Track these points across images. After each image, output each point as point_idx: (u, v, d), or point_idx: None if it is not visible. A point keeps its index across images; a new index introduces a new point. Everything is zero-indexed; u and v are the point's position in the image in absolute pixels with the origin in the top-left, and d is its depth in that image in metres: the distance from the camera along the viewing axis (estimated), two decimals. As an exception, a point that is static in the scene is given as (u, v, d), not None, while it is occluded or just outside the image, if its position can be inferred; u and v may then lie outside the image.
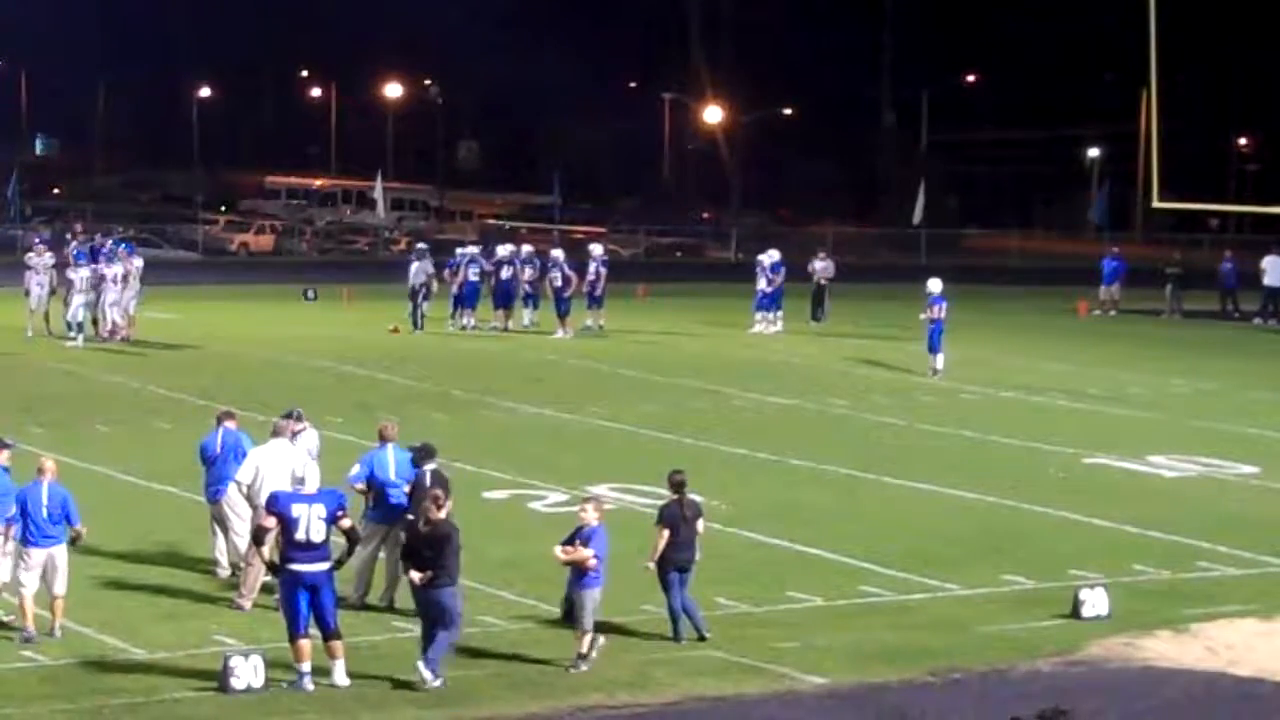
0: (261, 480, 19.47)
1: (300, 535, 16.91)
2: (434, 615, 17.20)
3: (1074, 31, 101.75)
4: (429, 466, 19.21)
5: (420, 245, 49.15)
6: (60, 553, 18.49)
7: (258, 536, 17.50)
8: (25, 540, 18.36)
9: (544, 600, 19.92)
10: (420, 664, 17.07)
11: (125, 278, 42.27)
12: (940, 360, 39.10)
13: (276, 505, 17.15)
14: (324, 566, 17.01)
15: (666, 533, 18.43)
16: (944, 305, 39.22)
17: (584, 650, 17.66)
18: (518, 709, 16.45)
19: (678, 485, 18.76)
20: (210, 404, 31.44)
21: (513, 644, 18.33)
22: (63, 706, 16.26)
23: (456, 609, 17.28)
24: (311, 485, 17.24)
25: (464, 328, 46.37)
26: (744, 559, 22.09)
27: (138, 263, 43.51)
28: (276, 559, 17.30)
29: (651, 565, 18.50)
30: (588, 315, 46.62)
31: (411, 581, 17.26)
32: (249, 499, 19.72)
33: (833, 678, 17.57)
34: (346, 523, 17.35)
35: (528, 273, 46.94)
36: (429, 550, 17.19)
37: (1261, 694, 17.48)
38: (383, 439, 19.92)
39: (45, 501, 18.42)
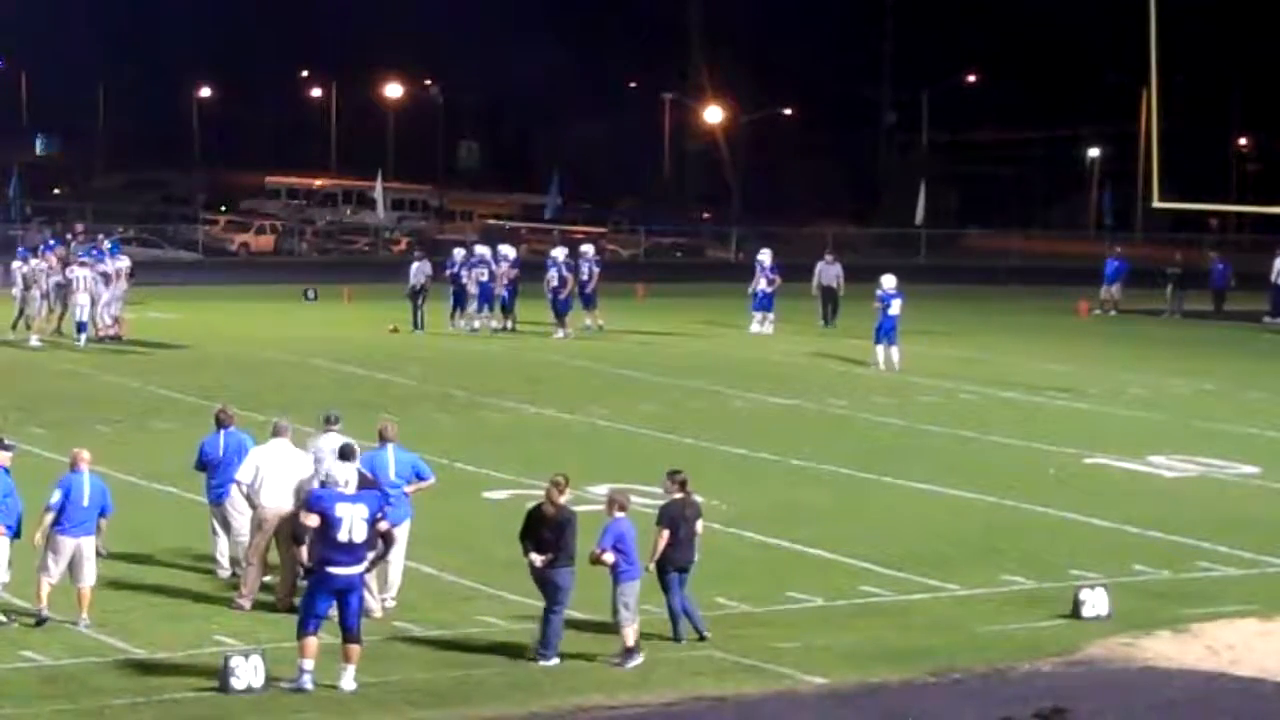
0: (261, 480, 19.45)
1: (343, 536, 16.73)
2: (549, 593, 17.74)
3: (1074, 31, 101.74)
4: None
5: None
6: (89, 544, 18.69)
7: (298, 535, 17.34)
8: (59, 529, 18.56)
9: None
10: (538, 655, 17.70)
11: (112, 277, 42.26)
12: (895, 353, 39.83)
13: (320, 504, 16.92)
14: (359, 569, 16.89)
15: (666, 533, 18.42)
16: (895, 302, 39.72)
17: (630, 644, 17.80)
18: (518, 709, 16.44)
19: (679, 485, 18.75)
20: (211, 404, 31.38)
21: (513, 644, 18.32)
22: (63, 706, 16.25)
23: (569, 588, 17.81)
24: (352, 486, 17.08)
25: (474, 329, 46.25)
26: (744, 559, 22.09)
27: (123, 262, 43.48)
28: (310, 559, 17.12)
29: (651, 566, 18.50)
30: (585, 316, 46.66)
31: (531, 563, 17.72)
32: (248, 498, 19.71)
33: (833, 678, 17.57)
34: (384, 525, 17.21)
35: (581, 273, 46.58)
36: (550, 533, 17.75)
37: (1261, 694, 17.48)
38: (382, 439, 19.89)
39: (88, 490, 18.67)
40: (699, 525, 18.80)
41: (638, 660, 17.69)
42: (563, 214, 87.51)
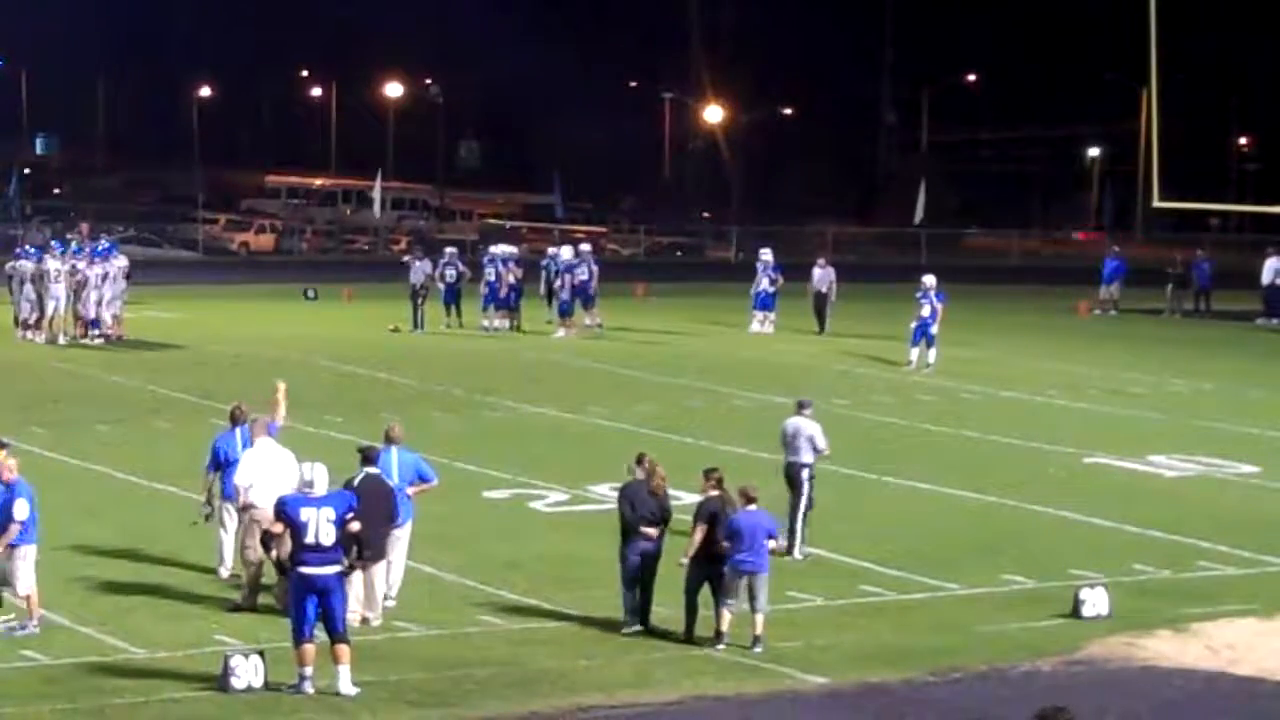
0: (253, 482, 19.46)
1: (309, 539, 16.72)
2: (651, 567, 18.68)
3: (1074, 31, 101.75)
4: (372, 470, 18.87)
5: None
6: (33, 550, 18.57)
7: (266, 543, 17.36)
8: (28, 540, 18.41)
9: (545, 600, 19.93)
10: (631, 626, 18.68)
11: (107, 277, 42.34)
12: (930, 354, 39.58)
13: (284, 510, 16.95)
14: (334, 569, 16.84)
15: (703, 528, 18.42)
16: (924, 302, 39.66)
17: (721, 629, 18.34)
18: (518, 708, 16.44)
19: (717, 482, 18.75)
20: (211, 404, 31.46)
21: (513, 644, 18.33)
22: (63, 706, 16.24)
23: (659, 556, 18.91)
24: (320, 488, 17.11)
25: (497, 329, 46.35)
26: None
27: (120, 262, 43.53)
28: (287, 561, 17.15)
29: (685, 560, 18.48)
30: (585, 315, 46.73)
31: (648, 536, 18.61)
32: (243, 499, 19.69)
33: (833, 678, 17.57)
34: (355, 526, 17.13)
35: (583, 274, 46.81)
36: (659, 509, 18.77)
37: (1261, 693, 17.49)
38: (388, 440, 19.85)
39: (29, 497, 18.54)
40: None
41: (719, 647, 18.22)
42: (564, 213, 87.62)
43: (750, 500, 18.51)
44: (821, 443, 22.38)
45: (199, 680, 16.87)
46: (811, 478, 22.35)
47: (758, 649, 18.19)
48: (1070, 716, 11.50)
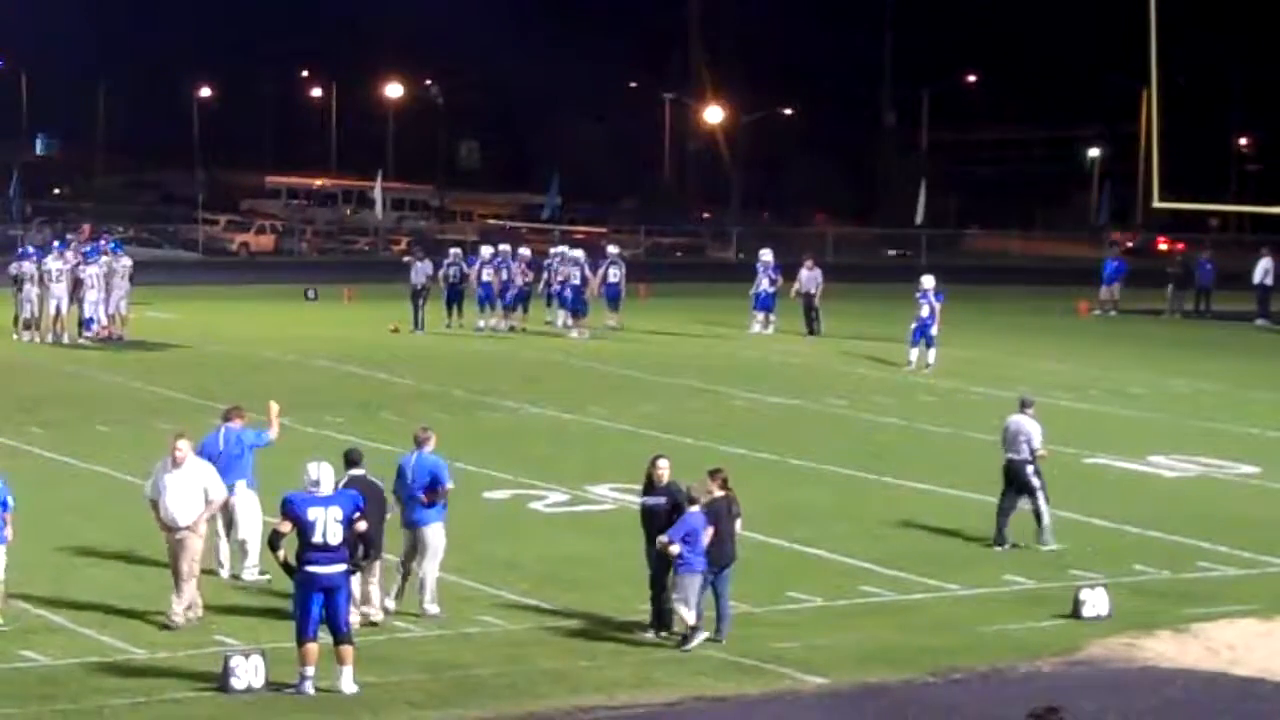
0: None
1: (317, 538, 16.72)
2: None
3: (1074, 31, 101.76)
4: (356, 472, 18.70)
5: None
6: None
7: (273, 542, 17.34)
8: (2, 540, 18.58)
9: (545, 600, 19.92)
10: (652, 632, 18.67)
11: (99, 277, 42.34)
12: (930, 354, 39.56)
13: (292, 509, 16.91)
14: (341, 568, 16.84)
15: (711, 530, 18.42)
16: (923, 303, 39.59)
17: (692, 623, 18.26)
18: (518, 709, 16.44)
19: (723, 482, 18.76)
20: (210, 404, 31.44)
21: (513, 644, 18.32)
22: (63, 706, 16.24)
23: None
24: (326, 487, 17.08)
25: (493, 329, 46.37)
26: (744, 559, 21.96)
27: (125, 261, 43.54)
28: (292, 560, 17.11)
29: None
30: (609, 317, 46.90)
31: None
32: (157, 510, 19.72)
33: (833, 678, 17.57)
34: (361, 526, 17.11)
35: (564, 274, 46.86)
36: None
37: (1261, 694, 17.48)
38: (416, 444, 19.83)
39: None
40: (739, 525, 18.84)
41: (700, 638, 18.19)
42: (562, 214, 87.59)
43: (694, 502, 18.53)
44: (1037, 442, 23.30)
45: (199, 680, 16.87)
46: (1037, 472, 23.21)
47: (688, 647, 18.20)
48: (1062, 717, 11.50)
